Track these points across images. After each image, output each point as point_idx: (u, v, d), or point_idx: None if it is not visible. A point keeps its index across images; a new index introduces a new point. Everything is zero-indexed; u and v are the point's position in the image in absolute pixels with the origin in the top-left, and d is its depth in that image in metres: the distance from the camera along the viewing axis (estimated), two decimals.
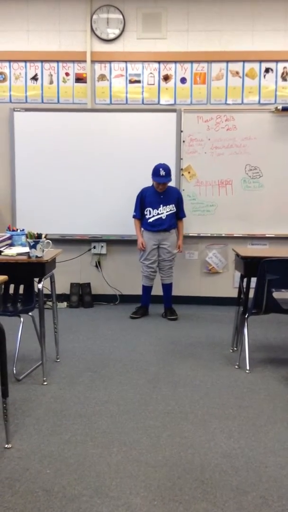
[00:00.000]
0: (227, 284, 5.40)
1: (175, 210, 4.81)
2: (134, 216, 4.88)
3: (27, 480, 2.18)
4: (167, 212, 4.77)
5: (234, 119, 5.12)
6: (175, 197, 4.83)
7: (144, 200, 4.81)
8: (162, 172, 4.67)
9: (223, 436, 2.58)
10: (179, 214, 4.88)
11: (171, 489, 2.13)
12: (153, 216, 4.78)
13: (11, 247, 3.49)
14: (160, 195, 4.78)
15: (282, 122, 5.11)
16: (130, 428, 2.66)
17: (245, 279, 3.70)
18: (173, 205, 4.79)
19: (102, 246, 5.36)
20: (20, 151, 5.20)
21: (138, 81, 5.20)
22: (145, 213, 4.82)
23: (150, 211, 4.79)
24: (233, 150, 5.16)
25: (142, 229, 4.88)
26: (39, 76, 5.23)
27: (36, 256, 3.19)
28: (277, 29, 5.07)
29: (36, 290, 3.39)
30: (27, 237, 3.20)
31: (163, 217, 4.77)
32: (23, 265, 3.20)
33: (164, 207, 4.77)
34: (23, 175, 5.23)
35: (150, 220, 4.79)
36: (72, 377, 3.36)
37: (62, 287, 5.27)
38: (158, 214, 4.77)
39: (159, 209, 4.76)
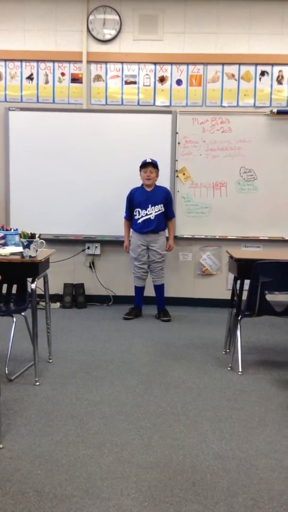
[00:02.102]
0: (221, 286, 5.41)
1: (163, 210, 4.81)
2: (124, 217, 4.90)
3: (18, 481, 2.17)
4: (155, 212, 4.77)
5: (229, 121, 5.13)
6: (163, 197, 4.82)
7: (133, 201, 4.82)
8: (149, 160, 4.71)
9: (215, 438, 2.58)
10: (168, 214, 4.87)
11: (162, 490, 2.13)
12: (142, 216, 4.78)
13: (5, 247, 3.48)
14: (148, 194, 4.78)
15: (277, 125, 5.13)
16: (122, 429, 2.65)
17: (238, 281, 3.71)
18: (162, 205, 4.79)
19: (96, 247, 5.36)
20: (15, 150, 5.19)
21: (134, 82, 5.20)
22: (134, 213, 4.82)
23: (139, 212, 4.79)
24: (228, 152, 5.17)
25: (132, 230, 4.89)
26: (34, 76, 5.22)
27: (30, 256, 3.18)
28: (273, 32, 5.09)
29: (29, 290, 3.38)
30: (20, 237, 3.19)
31: (152, 218, 4.77)
32: (17, 265, 3.19)
33: (153, 207, 4.77)
34: (17, 174, 5.22)
35: (139, 221, 4.79)
36: (64, 377, 3.35)
37: (56, 288, 5.26)
38: (146, 214, 4.77)
39: (148, 209, 4.77)
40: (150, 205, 4.77)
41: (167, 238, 4.97)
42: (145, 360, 3.74)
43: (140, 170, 4.77)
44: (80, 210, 5.25)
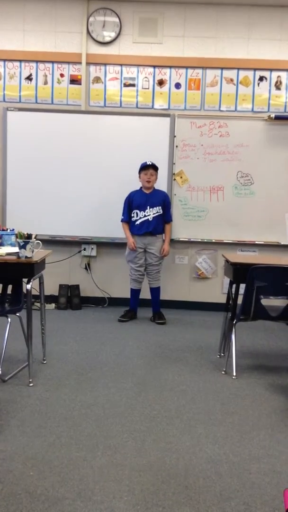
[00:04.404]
0: (216, 289, 5.41)
1: (161, 213, 4.82)
2: (122, 220, 4.89)
3: (10, 482, 2.16)
4: (153, 214, 4.78)
5: (227, 126, 5.15)
6: (161, 199, 4.84)
7: (132, 203, 4.82)
8: (149, 162, 4.72)
9: (208, 441, 2.58)
10: (165, 217, 4.88)
11: (154, 493, 2.12)
12: (140, 218, 4.79)
13: (1, 247, 3.47)
14: (147, 197, 4.79)
15: (274, 130, 5.15)
16: (115, 431, 2.65)
17: (234, 285, 3.71)
18: (160, 207, 4.80)
19: (92, 248, 5.35)
20: (12, 150, 5.19)
21: (133, 85, 5.21)
22: (132, 215, 4.82)
23: (137, 213, 4.80)
24: (225, 156, 5.19)
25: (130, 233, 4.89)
26: (33, 76, 5.22)
27: (26, 257, 3.17)
28: (272, 38, 5.11)
29: (24, 290, 3.37)
30: (17, 237, 3.19)
31: (150, 219, 4.78)
32: (12, 265, 3.18)
33: (151, 209, 4.78)
34: (14, 174, 5.21)
35: (137, 222, 4.80)
36: (58, 379, 3.34)
37: (51, 289, 5.25)
38: (144, 216, 4.78)
39: (146, 211, 4.78)
40: (148, 207, 4.78)
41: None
42: (140, 362, 3.73)
43: (140, 172, 4.78)
44: (77, 212, 5.25)
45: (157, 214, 4.80)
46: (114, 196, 5.13)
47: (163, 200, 4.85)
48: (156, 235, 4.83)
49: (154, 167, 4.75)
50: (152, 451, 2.46)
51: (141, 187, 4.85)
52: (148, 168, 4.73)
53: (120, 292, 5.34)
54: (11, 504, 2.01)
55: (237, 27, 5.11)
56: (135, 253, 4.82)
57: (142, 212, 4.78)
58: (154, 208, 4.79)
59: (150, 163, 4.73)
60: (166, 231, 4.95)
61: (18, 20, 5.14)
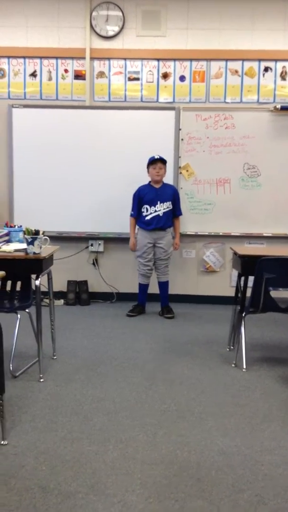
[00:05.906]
0: (224, 282, 5.40)
1: (171, 208, 4.81)
2: (131, 215, 4.86)
3: (22, 477, 2.17)
4: (164, 209, 4.77)
5: (232, 117, 5.12)
6: (171, 194, 4.83)
7: (142, 198, 4.80)
8: (157, 156, 4.70)
9: (219, 434, 2.58)
10: (175, 212, 4.87)
11: (167, 486, 2.13)
12: (150, 213, 4.77)
13: (9, 244, 3.48)
14: (157, 191, 4.77)
15: (280, 121, 5.11)
16: (126, 425, 2.65)
17: (242, 278, 3.70)
18: (170, 202, 4.79)
19: (99, 244, 5.35)
20: (18, 147, 5.19)
21: (137, 79, 5.19)
22: (142, 210, 4.81)
23: (147, 209, 4.78)
24: (231, 148, 5.16)
25: (138, 227, 4.87)
26: (38, 73, 5.22)
27: (34, 253, 3.18)
28: (276, 28, 5.07)
29: (33, 287, 3.38)
30: (24, 234, 3.19)
31: (160, 214, 4.77)
32: (21, 261, 3.19)
33: (161, 204, 4.76)
34: (21, 171, 5.21)
35: (147, 217, 4.78)
36: (68, 374, 3.36)
37: (59, 285, 5.25)
38: (155, 211, 4.76)
39: (156, 206, 4.76)
40: (159, 202, 4.76)
41: (173, 236, 4.97)
42: (149, 356, 3.74)
43: (149, 167, 4.75)
44: (84, 207, 5.25)
45: (167, 209, 4.78)
46: (120, 191, 5.13)
47: (173, 195, 4.84)
48: (165, 230, 4.82)
49: (162, 161, 4.73)
50: (163, 445, 2.47)
51: (149, 182, 4.83)
52: (156, 162, 4.71)
53: (128, 287, 5.34)
54: (24, 499, 2.02)
55: (241, 18, 5.07)
56: (144, 247, 4.81)
57: (152, 207, 4.77)
58: (165, 203, 4.77)
59: (158, 157, 4.71)
60: (177, 226, 4.95)
61: (21, 16, 5.13)
